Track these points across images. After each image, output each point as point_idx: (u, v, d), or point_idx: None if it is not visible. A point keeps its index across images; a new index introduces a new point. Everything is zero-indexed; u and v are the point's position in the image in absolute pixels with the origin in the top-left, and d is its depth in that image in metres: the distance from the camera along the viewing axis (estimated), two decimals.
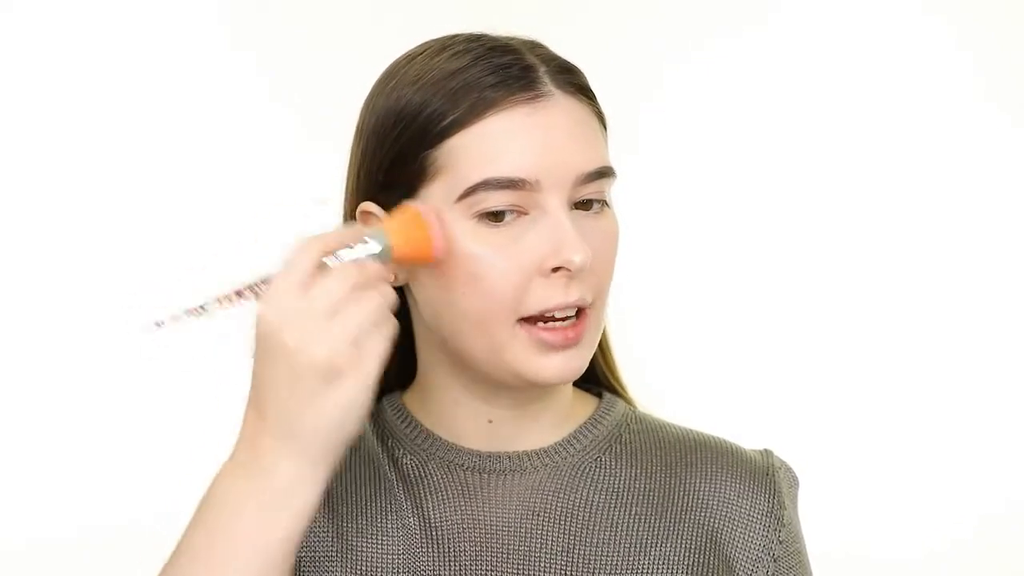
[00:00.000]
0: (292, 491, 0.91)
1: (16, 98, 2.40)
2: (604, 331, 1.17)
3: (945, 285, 2.58)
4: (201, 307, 0.95)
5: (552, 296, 1.00)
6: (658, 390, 1.23)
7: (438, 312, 1.05)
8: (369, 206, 1.06)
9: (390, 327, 0.92)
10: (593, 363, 1.17)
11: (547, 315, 1.01)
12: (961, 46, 2.59)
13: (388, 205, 1.04)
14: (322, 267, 0.91)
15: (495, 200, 1.00)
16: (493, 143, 1.01)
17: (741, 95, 2.61)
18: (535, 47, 1.07)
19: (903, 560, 2.51)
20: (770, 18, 2.63)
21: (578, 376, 1.04)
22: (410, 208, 1.00)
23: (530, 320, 1.01)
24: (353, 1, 2.55)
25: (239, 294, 0.94)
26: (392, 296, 0.93)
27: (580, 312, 1.03)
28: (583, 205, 1.03)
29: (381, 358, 0.91)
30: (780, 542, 1.09)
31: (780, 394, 2.54)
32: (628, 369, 1.21)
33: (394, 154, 1.04)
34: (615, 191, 1.15)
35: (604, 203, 1.04)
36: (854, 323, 2.58)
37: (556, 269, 1.00)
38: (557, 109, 1.03)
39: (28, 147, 2.40)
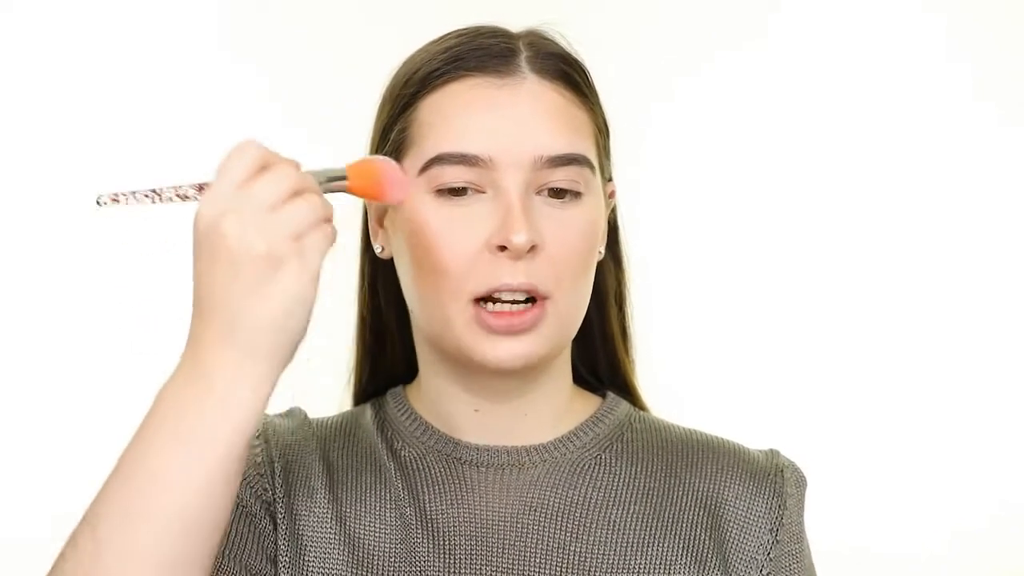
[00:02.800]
0: (235, 388, 0.87)
1: (16, 98, 2.40)
2: (623, 331, 1.17)
3: (946, 286, 2.57)
4: (155, 191, 0.95)
5: (498, 275, 1.01)
6: (668, 388, 1.23)
7: (407, 290, 1.07)
8: None
9: (331, 231, 0.88)
10: (605, 361, 1.17)
11: (496, 297, 1.01)
12: (962, 47, 2.58)
13: None
14: (262, 169, 0.88)
15: (451, 175, 1.01)
16: (452, 117, 1.03)
17: (747, 97, 2.61)
18: (534, 36, 1.09)
19: (904, 556, 2.51)
20: (770, 20, 2.63)
21: (530, 363, 1.03)
22: (372, 157, 1.01)
23: (482, 301, 1.02)
24: (353, 3, 2.55)
25: (200, 188, 0.92)
26: (332, 220, 0.90)
27: (536, 301, 1.02)
28: (556, 194, 1.03)
29: (323, 254, 0.87)
30: (777, 542, 1.08)
31: (786, 393, 2.54)
32: (640, 368, 1.21)
33: (382, 129, 1.09)
34: (626, 195, 1.15)
35: (577, 193, 1.04)
36: (857, 324, 2.58)
37: (502, 248, 1.00)
38: (525, 91, 1.04)
39: (27, 147, 2.40)
